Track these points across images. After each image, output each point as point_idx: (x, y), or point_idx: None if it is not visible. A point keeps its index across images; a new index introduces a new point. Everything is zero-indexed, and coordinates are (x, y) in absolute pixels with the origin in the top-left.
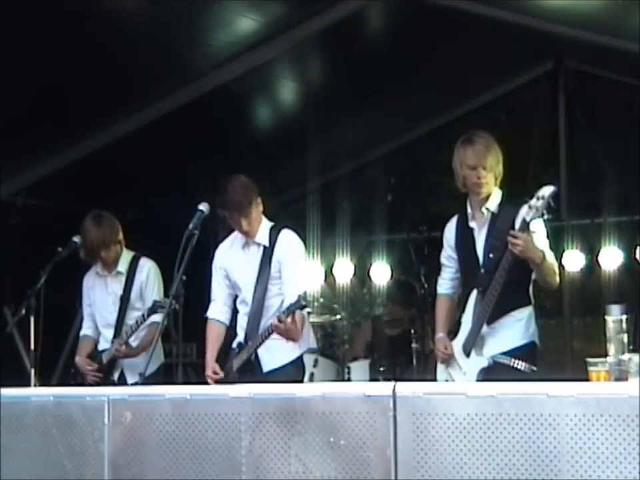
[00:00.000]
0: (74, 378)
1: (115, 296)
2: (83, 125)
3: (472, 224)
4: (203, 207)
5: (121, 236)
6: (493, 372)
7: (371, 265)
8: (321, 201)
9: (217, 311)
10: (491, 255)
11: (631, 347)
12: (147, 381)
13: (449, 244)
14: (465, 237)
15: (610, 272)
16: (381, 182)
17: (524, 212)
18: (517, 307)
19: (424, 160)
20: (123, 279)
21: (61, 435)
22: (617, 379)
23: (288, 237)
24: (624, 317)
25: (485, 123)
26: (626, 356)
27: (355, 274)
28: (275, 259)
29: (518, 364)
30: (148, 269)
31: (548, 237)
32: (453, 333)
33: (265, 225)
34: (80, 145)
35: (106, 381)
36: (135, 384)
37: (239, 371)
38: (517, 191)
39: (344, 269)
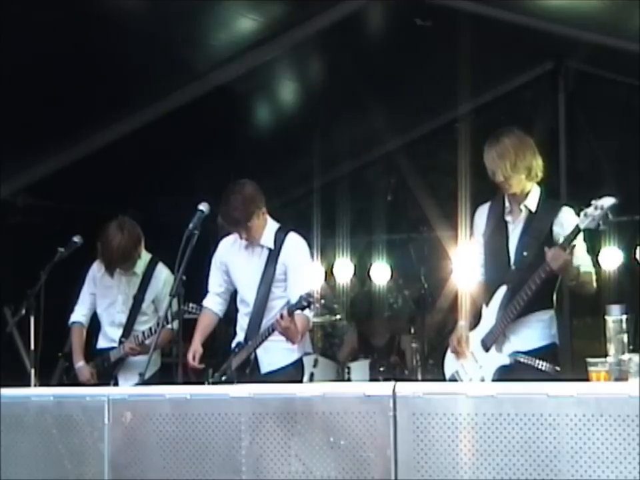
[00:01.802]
0: (67, 373)
1: (125, 296)
2: (83, 125)
3: (508, 218)
4: (203, 206)
5: (141, 246)
6: (512, 371)
7: (370, 265)
8: (321, 201)
9: (213, 301)
10: (524, 254)
11: (631, 347)
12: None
13: (479, 231)
14: (497, 228)
15: (610, 272)
16: (381, 182)
17: (578, 219)
18: (541, 308)
19: (424, 160)
20: (138, 280)
21: (61, 434)
22: (616, 379)
23: (295, 241)
24: (624, 317)
25: (485, 123)
26: (626, 356)
27: (355, 274)
28: (281, 262)
29: (541, 364)
30: (165, 278)
31: (585, 239)
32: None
33: (271, 228)
34: (80, 145)
35: (105, 382)
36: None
37: (237, 370)
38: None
39: (344, 269)
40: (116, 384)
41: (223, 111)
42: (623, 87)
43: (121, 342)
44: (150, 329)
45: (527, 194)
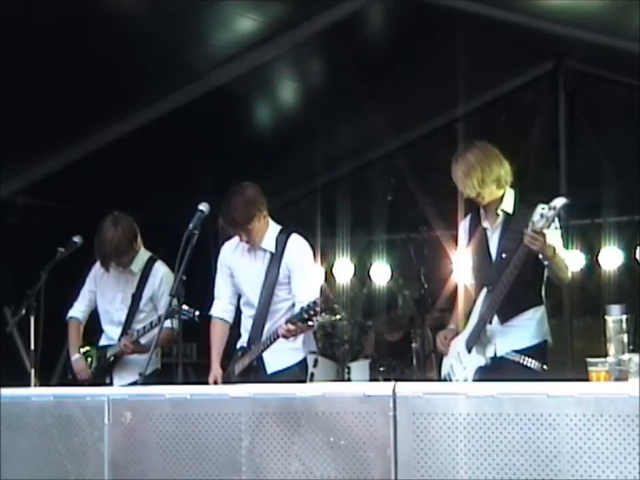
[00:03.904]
0: (71, 368)
1: (124, 294)
2: (83, 125)
3: (485, 224)
4: (203, 206)
5: (137, 243)
6: (489, 372)
7: (370, 265)
8: (321, 201)
9: (221, 309)
10: (503, 255)
11: (631, 347)
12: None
13: (462, 242)
14: (478, 236)
15: (610, 272)
16: (381, 182)
17: (536, 219)
18: (530, 306)
19: (424, 160)
20: (136, 279)
21: (61, 435)
22: (617, 379)
23: (297, 243)
24: (624, 316)
25: (485, 123)
26: (626, 356)
27: (354, 274)
28: (284, 265)
29: (529, 362)
30: (162, 275)
31: (562, 234)
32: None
33: (272, 231)
34: (80, 145)
35: (100, 381)
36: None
37: (241, 375)
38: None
39: (344, 269)
40: (111, 382)
41: (223, 111)
42: (623, 87)
43: (119, 340)
44: (144, 327)
45: (502, 198)
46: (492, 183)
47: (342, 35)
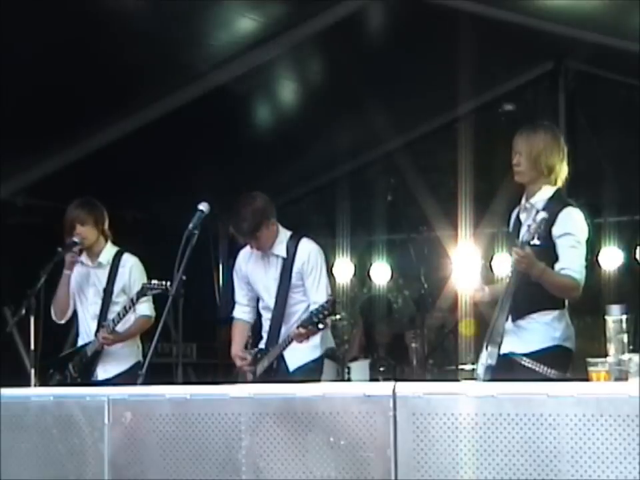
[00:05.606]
0: (51, 379)
1: (95, 288)
2: (83, 125)
3: (522, 216)
4: (203, 206)
5: (104, 225)
6: (495, 371)
7: (371, 265)
8: (320, 201)
9: (242, 311)
10: None
11: (631, 347)
12: (120, 379)
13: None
14: (515, 226)
15: (610, 272)
16: (381, 182)
17: (523, 231)
18: (543, 308)
19: (424, 160)
20: (105, 272)
21: (61, 434)
22: (617, 379)
23: (307, 248)
24: (624, 317)
25: (485, 122)
26: (626, 356)
27: (354, 274)
28: (296, 270)
29: (545, 370)
30: (131, 265)
31: (587, 249)
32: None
33: (283, 236)
34: (80, 145)
35: (87, 379)
36: (111, 380)
37: (263, 376)
38: (516, 191)
39: (344, 269)
40: (96, 378)
41: (223, 111)
42: (623, 87)
43: (96, 335)
44: (118, 314)
45: (537, 192)
46: (541, 168)
47: (342, 35)
